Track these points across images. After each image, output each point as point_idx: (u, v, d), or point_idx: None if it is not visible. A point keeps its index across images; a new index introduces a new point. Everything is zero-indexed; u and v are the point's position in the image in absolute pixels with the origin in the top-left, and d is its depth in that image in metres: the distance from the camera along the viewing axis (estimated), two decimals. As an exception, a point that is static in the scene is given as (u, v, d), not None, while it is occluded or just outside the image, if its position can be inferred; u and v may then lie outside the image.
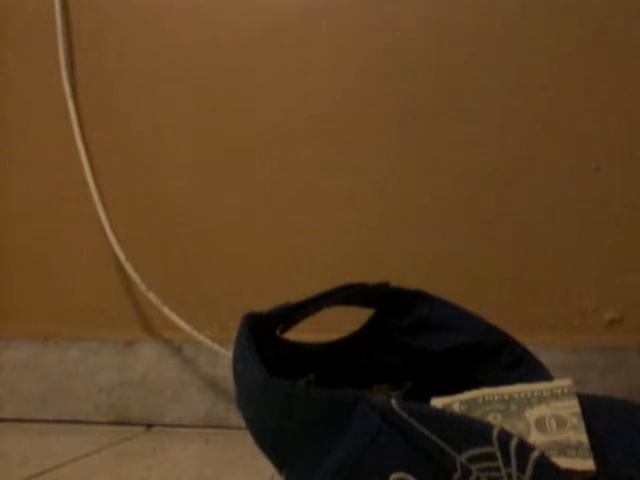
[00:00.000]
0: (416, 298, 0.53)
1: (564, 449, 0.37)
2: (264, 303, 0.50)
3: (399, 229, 0.74)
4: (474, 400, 0.42)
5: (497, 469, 0.31)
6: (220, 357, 0.74)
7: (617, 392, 0.66)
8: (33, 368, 0.80)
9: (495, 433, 0.31)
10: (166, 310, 0.74)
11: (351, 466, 0.34)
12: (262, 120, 0.77)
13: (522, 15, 0.71)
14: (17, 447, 0.68)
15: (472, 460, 0.31)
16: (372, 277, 0.53)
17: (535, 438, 0.38)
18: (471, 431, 0.31)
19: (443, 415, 0.34)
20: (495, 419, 0.40)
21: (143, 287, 0.75)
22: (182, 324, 0.73)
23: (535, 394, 0.41)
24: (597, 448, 0.37)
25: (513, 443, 0.30)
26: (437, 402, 0.43)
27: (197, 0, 0.79)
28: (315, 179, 0.76)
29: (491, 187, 0.72)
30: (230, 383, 0.73)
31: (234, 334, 0.44)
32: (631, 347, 0.67)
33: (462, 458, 0.31)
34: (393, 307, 0.54)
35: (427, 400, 0.43)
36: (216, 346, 0.72)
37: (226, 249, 0.78)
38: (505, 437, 0.30)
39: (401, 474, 0.33)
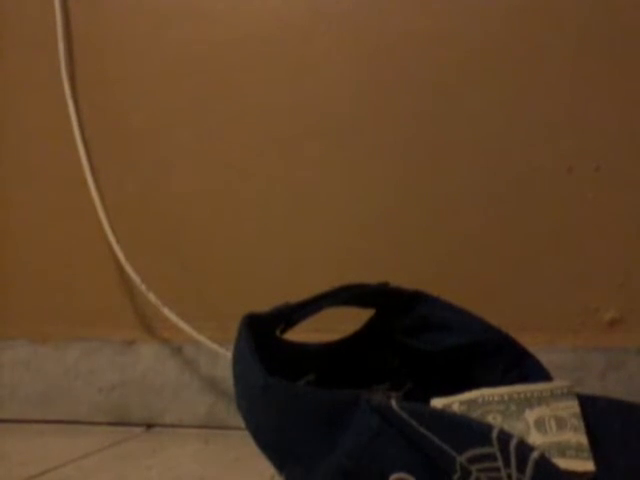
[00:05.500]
0: (416, 298, 0.54)
1: (564, 450, 0.37)
2: (264, 303, 0.50)
3: (399, 229, 0.74)
4: (474, 400, 0.42)
5: (497, 469, 0.31)
6: (220, 357, 0.74)
7: (617, 392, 0.66)
8: (33, 368, 0.80)
9: (495, 433, 0.31)
10: (166, 310, 0.74)
11: (351, 466, 0.35)
12: (262, 121, 0.77)
13: (522, 14, 0.71)
14: (17, 447, 0.68)
15: (472, 460, 0.31)
16: (372, 277, 0.53)
17: (535, 439, 0.38)
18: (471, 431, 0.32)
19: (443, 415, 0.34)
20: (495, 419, 0.41)
21: (143, 287, 0.75)
22: (182, 324, 0.73)
23: (535, 394, 0.41)
24: (597, 449, 0.37)
25: (513, 443, 0.30)
26: (437, 402, 0.43)
27: (197, 0, 0.79)
28: (315, 179, 0.76)
29: (491, 187, 0.72)
30: (230, 383, 0.73)
31: (234, 334, 0.44)
32: (631, 347, 0.67)
33: (462, 458, 0.31)
34: (393, 307, 0.54)
35: (427, 400, 0.43)
36: (216, 346, 0.72)
37: (226, 249, 0.78)
38: (505, 437, 0.30)
39: (401, 474, 0.33)
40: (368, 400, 0.35)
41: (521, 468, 0.30)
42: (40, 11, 0.81)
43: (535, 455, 0.29)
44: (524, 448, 0.30)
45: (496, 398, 0.42)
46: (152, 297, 0.75)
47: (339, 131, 0.75)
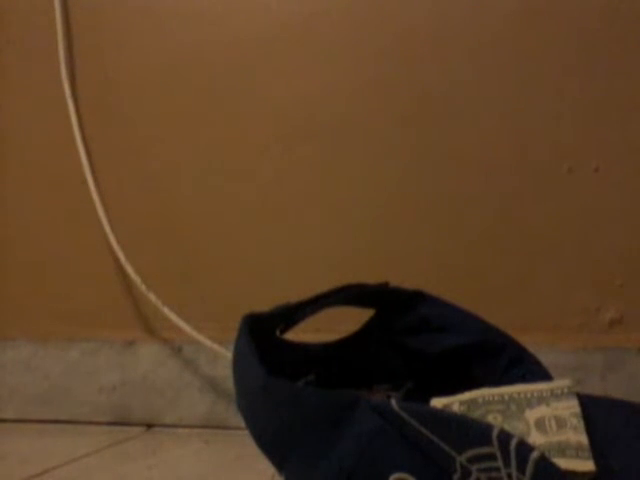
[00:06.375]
0: (416, 298, 0.53)
1: (564, 450, 0.37)
2: (264, 303, 0.50)
3: (399, 229, 0.74)
4: (474, 400, 0.42)
5: (497, 469, 0.31)
6: (220, 357, 0.74)
7: (617, 392, 0.66)
8: (33, 368, 0.80)
9: (495, 433, 0.31)
10: (166, 310, 0.74)
11: (351, 466, 0.34)
12: (262, 120, 0.77)
13: (522, 14, 0.71)
14: (17, 447, 0.68)
15: (472, 460, 0.31)
16: (372, 277, 0.53)
17: (535, 438, 0.38)
18: (471, 431, 0.32)
19: (443, 415, 0.34)
20: (495, 419, 0.40)
21: (143, 287, 0.75)
22: (182, 324, 0.73)
23: (535, 394, 0.41)
24: (597, 448, 0.37)
25: (513, 443, 0.30)
26: (437, 402, 0.43)
27: (197, 0, 0.79)
28: (315, 179, 0.76)
29: (491, 187, 0.72)
30: (230, 383, 0.73)
31: (234, 334, 0.44)
32: (631, 347, 0.67)
33: (462, 458, 0.31)
34: (393, 307, 0.54)
35: (427, 400, 0.43)
36: (216, 346, 0.72)
37: (226, 249, 0.78)
38: (505, 437, 0.30)
39: (401, 474, 0.33)
40: (368, 400, 0.35)
41: (521, 468, 0.30)
42: (40, 11, 0.82)
43: (535, 455, 0.29)
44: (524, 448, 0.30)
45: (496, 398, 0.42)
46: (152, 297, 0.75)
47: (339, 131, 0.75)
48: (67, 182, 0.81)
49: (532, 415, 0.40)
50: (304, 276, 0.75)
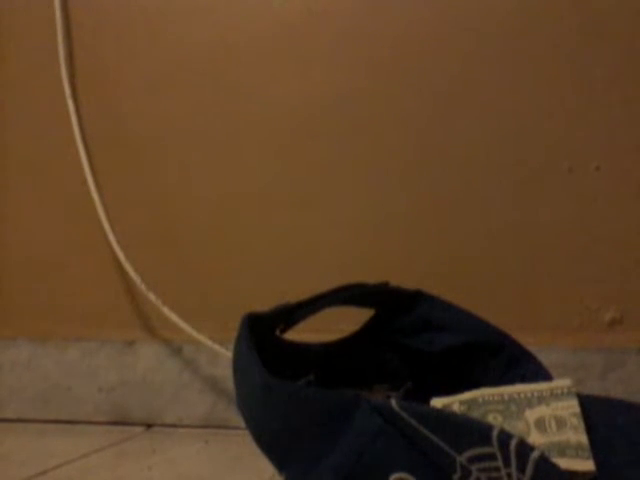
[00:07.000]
0: (416, 298, 0.53)
1: (564, 449, 0.37)
2: (264, 303, 0.50)
3: (399, 229, 0.74)
4: (474, 400, 0.42)
5: (497, 469, 0.31)
6: (220, 357, 0.74)
7: (617, 392, 0.66)
8: (33, 368, 0.80)
9: (495, 433, 0.31)
10: (166, 310, 0.74)
11: (351, 466, 0.35)
12: (262, 120, 0.77)
13: (523, 11, 0.71)
14: (17, 447, 0.68)
15: (472, 460, 0.31)
16: (372, 277, 0.53)
17: (535, 438, 0.38)
18: (471, 431, 0.32)
19: (443, 415, 0.34)
20: (495, 419, 0.40)
21: (143, 287, 0.75)
22: (182, 324, 0.73)
23: (535, 394, 0.41)
24: (597, 448, 0.37)
25: (513, 443, 0.30)
26: (437, 402, 0.43)
27: (198, 0, 0.79)
28: (315, 179, 0.76)
29: (491, 187, 0.72)
30: (230, 383, 0.73)
31: (234, 334, 0.44)
32: (631, 347, 0.67)
33: (462, 458, 0.31)
34: (393, 307, 0.54)
35: (427, 400, 0.43)
36: (216, 346, 0.72)
37: (226, 249, 0.78)
38: (505, 437, 0.30)
39: (401, 474, 0.33)
40: (369, 400, 0.35)
41: (521, 468, 0.30)
42: (40, 11, 0.81)
43: (535, 455, 0.29)
44: (524, 448, 0.30)
45: (496, 398, 0.42)
46: (152, 297, 0.75)
47: (339, 131, 0.75)
48: (67, 182, 0.81)
49: (532, 415, 0.40)
50: (304, 275, 0.75)
